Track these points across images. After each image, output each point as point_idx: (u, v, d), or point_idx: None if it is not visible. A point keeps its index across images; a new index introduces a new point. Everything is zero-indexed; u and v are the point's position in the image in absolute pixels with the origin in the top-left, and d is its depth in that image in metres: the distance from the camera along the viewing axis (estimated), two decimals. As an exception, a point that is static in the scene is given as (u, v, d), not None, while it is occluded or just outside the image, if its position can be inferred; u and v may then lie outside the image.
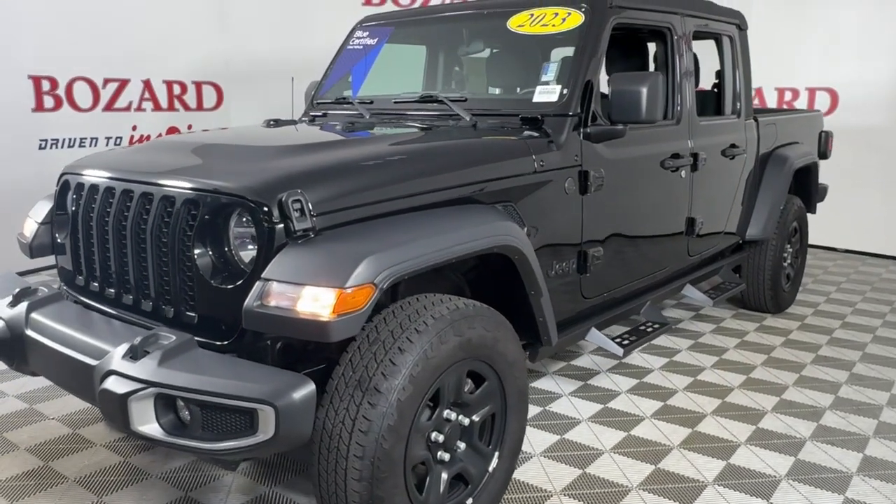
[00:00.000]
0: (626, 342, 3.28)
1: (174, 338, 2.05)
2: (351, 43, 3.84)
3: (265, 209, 2.04)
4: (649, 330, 3.47)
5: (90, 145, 5.98)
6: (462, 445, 2.31)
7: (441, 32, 3.74)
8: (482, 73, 3.63)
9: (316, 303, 1.91)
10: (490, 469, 2.40)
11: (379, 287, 1.97)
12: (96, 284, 2.50)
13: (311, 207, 2.06)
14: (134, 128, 6.04)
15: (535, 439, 2.97)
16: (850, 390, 3.53)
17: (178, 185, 2.24)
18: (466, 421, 2.31)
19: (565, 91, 2.94)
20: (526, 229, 2.70)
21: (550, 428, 3.07)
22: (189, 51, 6.33)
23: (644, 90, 2.88)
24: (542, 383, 3.45)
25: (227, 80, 6.57)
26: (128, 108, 6.15)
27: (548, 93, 2.97)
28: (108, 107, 6.03)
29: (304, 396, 1.87)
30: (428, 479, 2.21)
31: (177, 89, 6.41)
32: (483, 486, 2.38)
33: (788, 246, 4.88)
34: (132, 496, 2.57)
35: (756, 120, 4.49)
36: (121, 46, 6.00)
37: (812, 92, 6.85)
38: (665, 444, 2.98)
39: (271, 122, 3.21)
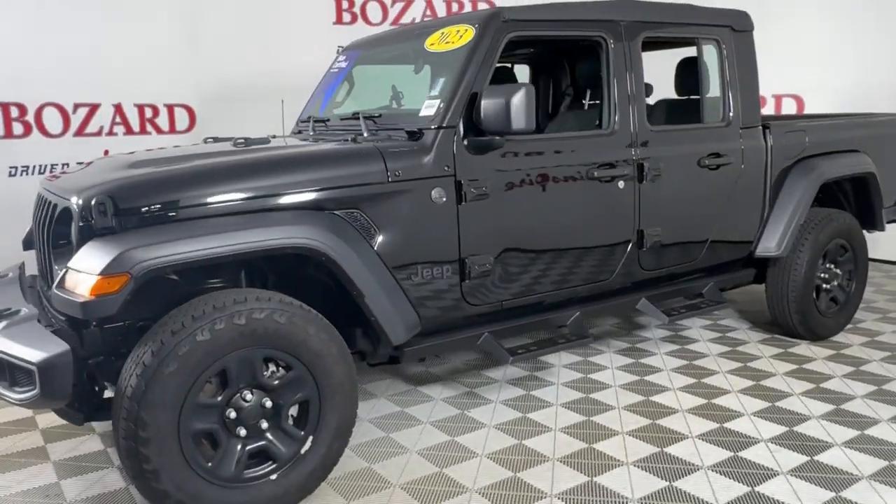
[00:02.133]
0: (521, 351, 3.24)
1: (24, 313, 2.58)
2: (332, 66, 4.22)
3: (78, 211, 2.47)
4: (561, 341, 3.42)
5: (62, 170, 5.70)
6: (265, 425, 2.55)
7: (391, 54, 4.00)
8: (413, 91, 3.79)
9: (80, 286, 2.30)
10: (302, 451, 2.62)
11: (134, 276, 2.28)
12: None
13: (114, 210, 2.47)
14: (105, 153, 5.78)
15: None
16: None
17: (54, 196, 2.74)
18: (269, 403, 2.57)
19: (441, 104, 3.05)
20: (379, 236, 2.88)
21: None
22: (160, 74, 6.21)
23: (509, 101, 2.91)
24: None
25: (200, 102, 6.44)
26: (99, 133, 6.05)
27: (430, 107, 3.09)
28: (80, 132, 5.97)
29: (57, 358, 2.28)
30: (218, 449, 2.51)
31: (149, 112, 6.28)
32: (292, 466, 2.61)
33: (830, 265, 4.39)
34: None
35: (766, 127, 4.15)
36: (91, 70, 5.90)
37: (778, 99, 6.84)
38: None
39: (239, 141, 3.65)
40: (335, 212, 2.78)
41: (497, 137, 3.04)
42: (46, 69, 5.76)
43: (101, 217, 2.43)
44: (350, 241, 2.74)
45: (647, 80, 3.76)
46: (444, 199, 2.99)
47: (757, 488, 2.70)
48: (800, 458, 2.92)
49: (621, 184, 3.48)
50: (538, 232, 3.28)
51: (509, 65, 4.70)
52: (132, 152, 3.44)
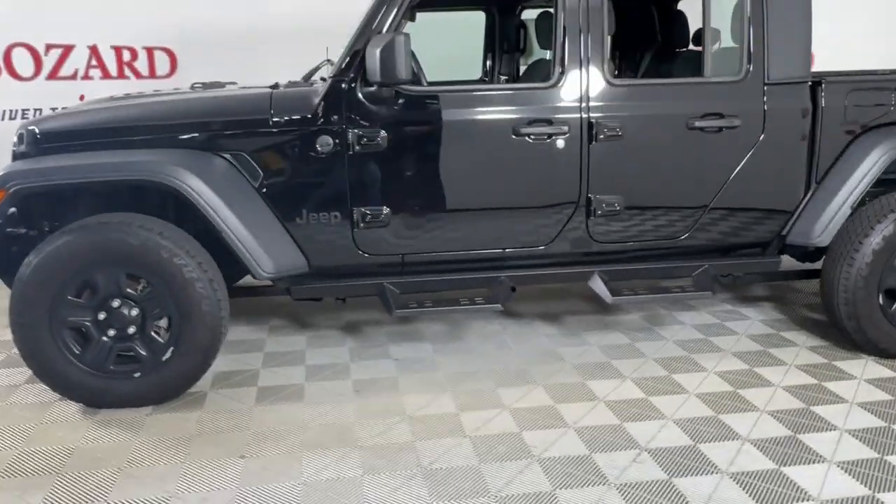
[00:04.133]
0: (412, 305, 3.19)
1: None
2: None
3: (16, 137, 3.12)
4: (464, 303, 3.23)
5: (34, 116, 5.40)
6: (132, 330, 2.94)
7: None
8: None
9: None
10: (164, 359, 3.01)
11: (9, 192, 2.84)
12: None
13: (29, 139, 3.04)
14: (81, 97, 5.43)
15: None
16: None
17: None
18: (133, 312, 2.95)
19: (342, 55, 3.09)
20: (264, 178, 3.06)
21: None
22: (139, 14, 5.71)
23: (376, 52, 2.85)
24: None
25: (182, 45, 5.93)
26: (73, 77, 5.62)
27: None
28: (52, 75, 5.54)
29: None
30: (88, 342, 2.94)
31: (126, 55, 5.83)
32: (154, 370, 2.97)
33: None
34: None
35: (818, 84, 3.31)
36: (64, 9, 5.46)
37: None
38: None
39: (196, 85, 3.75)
40: (221, 153, 3.05)
41: (384, 88, 3.01)
42: (16, 8, 5.38)
43: (21, 144, 3.04)
44: (222, 181, 2.99)
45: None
46: (330, 148, 3.06)
47: None
48: None
49: (560, 143, 3.16)
50: (444, 187, 3.17)
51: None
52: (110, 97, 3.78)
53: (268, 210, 3.08)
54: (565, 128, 3.14)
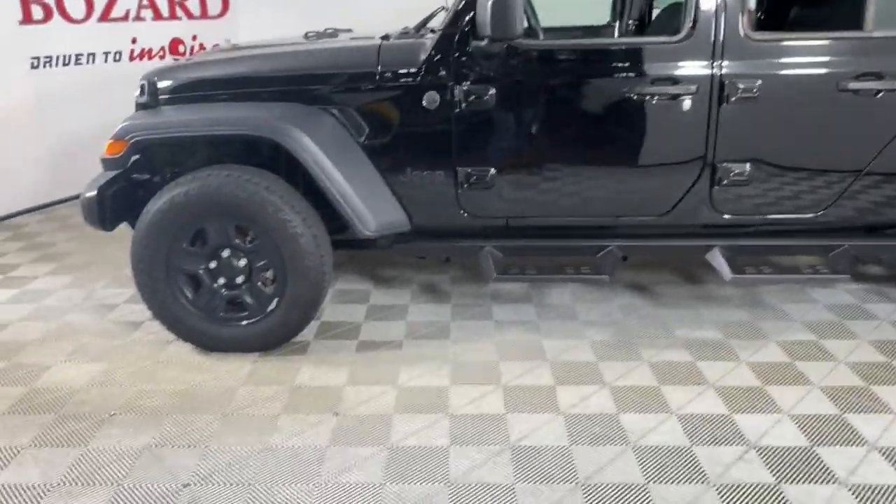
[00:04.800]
0: (514, 271, 3.08)
1: None
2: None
3: (138, 88, 3.20)
4: (570, 272, 3.04)
5: (88, 62, 5.37)
6: (240, 280, 3.03)
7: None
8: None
9: (105, 147, 3.06)
10: (269, 309, 3.09)
11: (129, 142, 2.95)
12: None
13: (150, 90, 3.11)
14: (133, 40, 5.49)
15: None
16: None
17: None
18: (241, 262, 3.02)
19: (454, 7, 2.92)
20: (368, 133, 3.00)
21: None
22: None
23: (487, 4, 2.67)
24: None
25: None
26: (125, 18, 5.51)
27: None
28: (104, 17, 5.39)
29: (90, 198, 3.00)
30: (201, 289, 3.06)
31: None
32: (260, 319, 3.06)
33: None
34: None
35: None
36: None
37: None
38: None
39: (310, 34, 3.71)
40: (329, 107, 3.02)
41: (495, 43, 2.84)
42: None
43: (143, 95, 3.14)
44: (328, 136, 2.97)
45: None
46: (437, 105, 2.96)
47: None
48: None
49: (686, 104, 2.88)
50: (554, 149, 2.99)
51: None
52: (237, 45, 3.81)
53: (371, 166, 3.04)
54: (693, 87, 2.86)
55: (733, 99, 2.85)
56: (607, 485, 2.30)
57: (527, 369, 2.99)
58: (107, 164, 3.08)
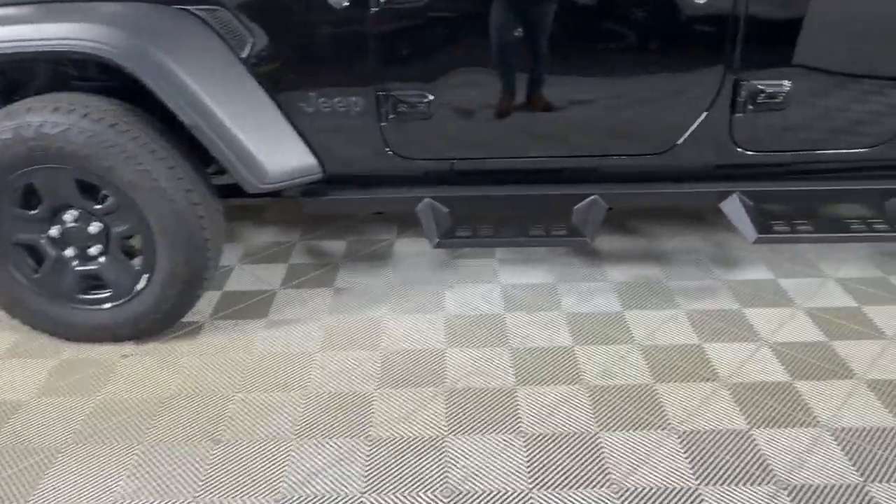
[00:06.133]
0: (463, 234, 2.29)
1: None
2: None
3: None
4: (537, 234, 2.25)
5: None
6: (95, 251, 2.28)
7: None
8: None
9: None
10: (138, 288, 2.32)
11: None
12: None
13: None
14: None
15: None
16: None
17: None
18: (95, 229, 2.26)
19: None
20: (254, 45, 2.13)
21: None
22: None
23: None
24: None
25: None
26: None
27: None
28: None
29: None
30: (43, 263, 2.31)
31: None
32: (129, 300, 2.32)
33: None
34: None
35: None
36: None
37: None
38: None
39: None
40: (193, 7, 2.13)
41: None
42: None
43: None
44: (192, 50, 2.10)
45: None
46: (348, 1, 2.08)
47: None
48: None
49: (701, -4, 2.02)
50: (514, 63, 2.15)
51: None
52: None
53: (262, 93, 2.19)
54: (709, -32, 1.99)
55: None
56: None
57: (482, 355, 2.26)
58: None
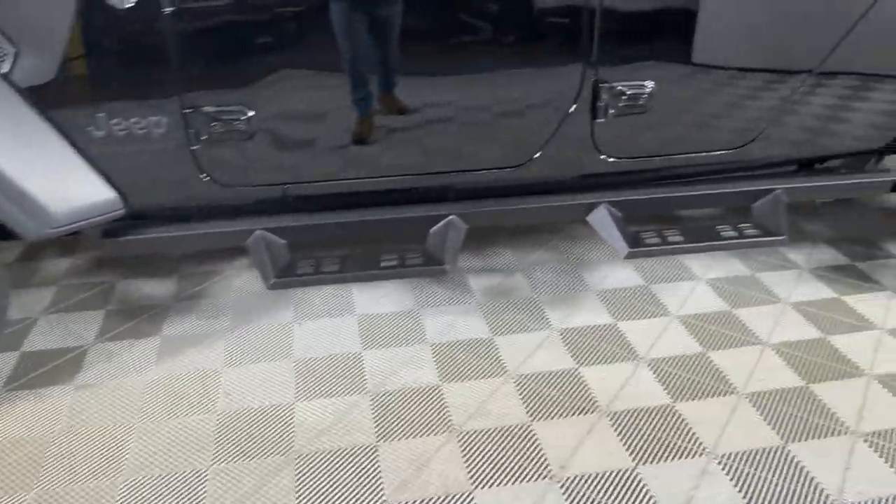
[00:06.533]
0: (303, 272, 1.94)
1: None
2: None
3: None
4: (390, 263, 1.99)
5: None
6: None
7: None
8: None
9: None
10: None
11: None
12: None
13: None
14: None
15: None
16: None
17: None
18: None
19: None
20: (22, 57, 1.71)
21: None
22: None
23: None
24: None
25: None
26: None
27: None
28: None
29: None
30: None
31: None
32: None
33: None
34: None
35: None
36: None
37: None
38: None
39: None
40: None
41: None
42: None
43: None
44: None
45: None
46: (132, 3, 1.69)
47: None
48: None
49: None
50: (345, 59, 1.84)
51: None
52: None
53: (33, 115, 1.76)
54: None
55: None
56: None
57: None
58: None
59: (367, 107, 1.88)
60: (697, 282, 2.57)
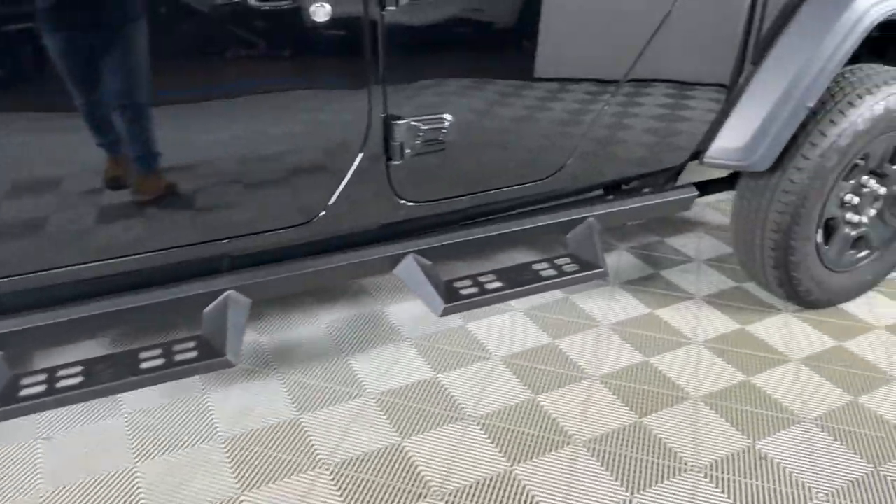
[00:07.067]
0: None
1: None
2: None
3: None
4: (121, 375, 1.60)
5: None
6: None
7: None
8: None
9: None
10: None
11: None
12: None
13: None
14: None
15: None
16: None
17: None
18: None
19: None
20: None
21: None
22: None
23: None
24: None
25: None
26: None
27: None
28: None
29: None
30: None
31: None
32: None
33: (867, 180, 2.26)
34: None
35: None
36: None
37: None
38: None
39: None
40: None
41: None
42: None
43: None
44: None
45: None
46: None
47: None
48: None
49: (321, 14, 1.46)
50: (88, 111, 1.41)
51: None
52: None
53: None
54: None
55: (404, -3, 1.51)
56: None
57: None
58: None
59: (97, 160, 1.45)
60: (514, 313, 2.40)
